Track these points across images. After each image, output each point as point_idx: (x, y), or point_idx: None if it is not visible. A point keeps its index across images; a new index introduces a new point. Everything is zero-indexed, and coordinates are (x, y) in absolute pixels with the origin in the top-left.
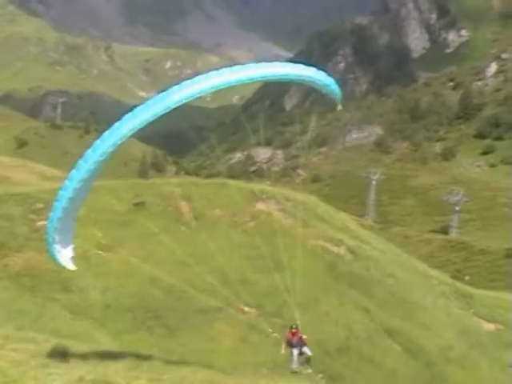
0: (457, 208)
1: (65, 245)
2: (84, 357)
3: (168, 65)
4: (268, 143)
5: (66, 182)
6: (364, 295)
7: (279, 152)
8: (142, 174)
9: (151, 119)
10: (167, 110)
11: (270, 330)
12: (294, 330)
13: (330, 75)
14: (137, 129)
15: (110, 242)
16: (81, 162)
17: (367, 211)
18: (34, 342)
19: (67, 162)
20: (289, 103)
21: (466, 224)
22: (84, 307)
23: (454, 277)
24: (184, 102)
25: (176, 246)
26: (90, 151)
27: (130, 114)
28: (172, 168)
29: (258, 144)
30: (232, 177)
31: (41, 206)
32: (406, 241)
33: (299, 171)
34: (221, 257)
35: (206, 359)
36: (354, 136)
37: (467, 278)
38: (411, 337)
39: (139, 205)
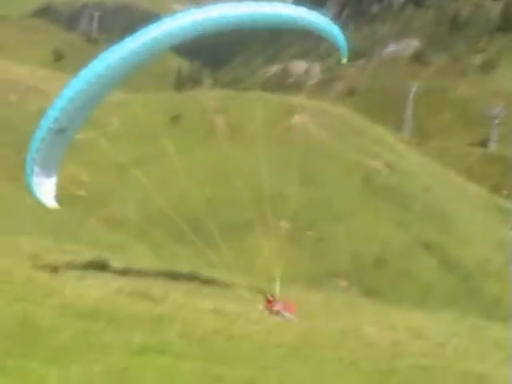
0: (496, 121)
1: (47, 179)
2: (121, 269)
3: None
4: (304, 56)
5: (49, 110)
6: (400, 209)
7: (315, 65)
8: (178, 87)
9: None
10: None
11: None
12: (270, 299)
13: (335, 23)
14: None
15: (145, 156)
16: (73, 79)
17: (404, 125)
18: (72, 253)
19: None
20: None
21: (505, 137)
22: (121, 220)
23: (492, 191)
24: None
25: (211, 160)
26: (84, 69)
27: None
28: (208, 81)
29: (295, 57)
30: (268, 90)
31: None
32: (444, 154)
33: (335, 84)
34: (256, 170)
35: (243, 272)
36: (392, 49)
37: (505, 192)
38: (448, 250)
39: (175, 118)
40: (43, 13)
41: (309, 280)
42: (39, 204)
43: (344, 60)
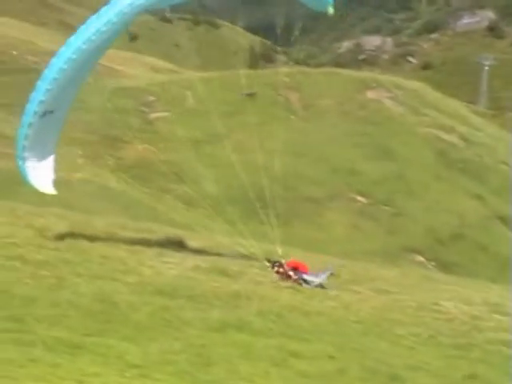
0: None
1: (41, 163)
2: (198, 246)
3: None
4: (377, 31)
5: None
6: (477, 182)
7: (388, 39)
8: (252, 64)
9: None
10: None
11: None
12: (277, 269)
13: None
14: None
15: (220, 133)
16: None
17: (479, 98)
18: (149, 231)
19: (178, 53)
20: None
21: None
22: (197, 198)
23: None
24: None
25: (285, 136)
26: (62, 47)
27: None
28: (281, 57)
29: (367, 32)
30: (341, 66)
31: (152, 98)
32: None
33: (409, 58)
34: (331, 146)
35: (318, 247)
36: (466, 21)
37: None
38: None
39: (250, 95)
40: None
41: (384, 255)
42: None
43: (330, 10)
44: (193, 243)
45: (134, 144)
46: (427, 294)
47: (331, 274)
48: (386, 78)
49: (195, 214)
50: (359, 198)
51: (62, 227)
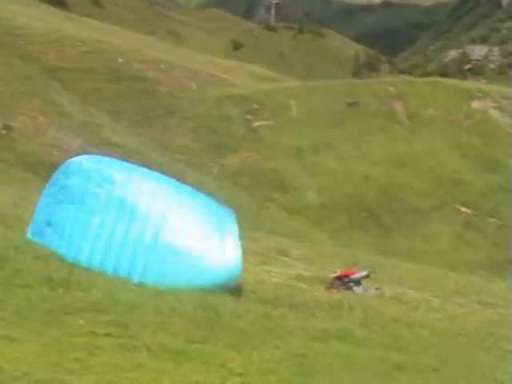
0: None
1: None
2: (301, 255)
3: None
4: (483, 40)
5: None
6: None
7: (495, 49)
8: (356, 73)
9: None
10: None
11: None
12: (337, 276)
13: None
14: None
15: (325, 142)
16: None
17: None
18: (251, 239)
19: (282, 62)
20: None
21: None
22: (300, 207)
23: None
24: None
25: (390, 146)
26: None
27: None
28: (386, 67)
29: (473, 41)
30: (446, 75)
31: (256, 106)
32: None
33: None
34: (435, 156)
35: (421, 258)
36: None
37: None
38: None
39: (354, 104)
40: (221, 3)
41: (490, 267)
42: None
43: None
44: (295, 252)
45: (238, 152)
46: None
47: (367, 276)
48: (492, 87)
49: (298, 223)
50: (464, 209)
51: None
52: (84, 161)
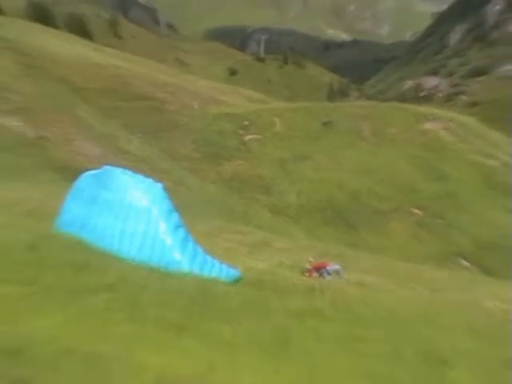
0: None
1: None
2: (282, 247)
3: (352, 7)
4: (434, 73)
5: None
6: None
7: (444, 80)
8: (330, 97)
9: None
10: None
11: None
12: (315, 266)
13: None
14: None
15: (303, 154)
16: None
17: None
18: (241, 233)
19: (269, 87)
20: (453, 39)
21: None
22: (282, 207)
23: None
24: None
25: (358, 158)
26: None
27: None
28: (355, 93)
29: (426, 73)
30: (404, 101)
31: (247, 123)
32: None
33: (461, 97)
34: (395, 167)
35: (382, 252)
36: (507, 67)
37: None
38: None
39: (328, 123)
40: (219, 35)
41: (437, 260)
42: (216, 192)
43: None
44: (277, 244)
45: (231, 160)
46: (471, 293)
47: (338, 271)
48: (441, 112)
49: (280, 221)
50: (417, 211)
51: None
52: (116, 171)
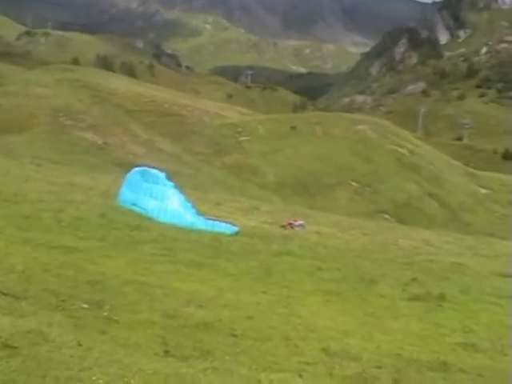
0: (466, 126)
1: None
2: (267, 210)
3: (307, 50)
4: (362, 92)
5: None
6: (416, 174)
7: (369, 97)
8: (294, 111)
9: None
10: None
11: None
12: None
13: None
14: None
15: (278, 148)
16: None
17: (418, 129)
18: (238, 201)
19: (254, 105)
20: (374, 70)
21: (472, 135)
22: (265, 184)
23: (465, 165)
24: None
25: (314, 150)
26: None
27: None
28: (310, 107)
29: (357, 92)
30: (343, 111)
31: (240, 129)
32: (439, 145)
33: (380, 108)
34: (338, 155)
35: (331, 211)
36: (410, 87)
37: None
38: (440, 197)
39: (293, 128)
40: (220, 72)
41: (368, 215)
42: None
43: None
44: (263, 208)
45: (231, 154)
46: (390, 236)
47: (302, 226)
48: (368, 118)
49: (264, 193)
50: (354, 183)
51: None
52: (152, 171)
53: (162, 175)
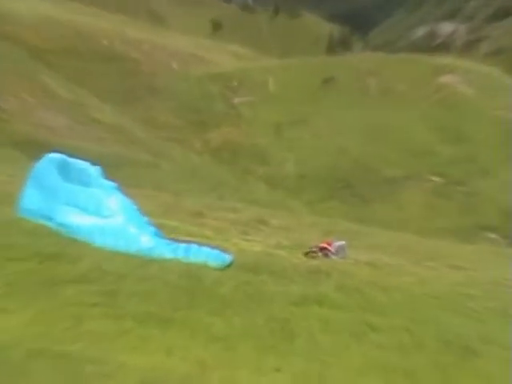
0: None
1: None
2: (280, 225)
3: None
4: (451, 17)
5: None
6: None
7: (462, 26)
8: (330, 51)
9: None
10: None
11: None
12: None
13: None
14: None
15: (301, 117)
16: None
17: None
18: (233, 210)
19: (259, 42)
20: None
21: None
22: (279, 178)
23: None
24: None
25: (364, 119)
26: None
27: None
28: (358, 44)
29: (441, 18)
30: (415, 51)
31: (235, 84)
32: None
33: (482, 44)
34: (407, 129)
35: (395, 226)
36: None
37: None
38: None
39: (328, 81)
40: None
41: (458, 233)
42: (203, 164)
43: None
44: (274, 222)
45: (219, 127)
46: (499, 269)
47: (343, 252)
48: (458, 63)
49: (277, 194)
50: (434, 178)
51: (151, 208)
52: (79, 162)
53: (95, 169)
